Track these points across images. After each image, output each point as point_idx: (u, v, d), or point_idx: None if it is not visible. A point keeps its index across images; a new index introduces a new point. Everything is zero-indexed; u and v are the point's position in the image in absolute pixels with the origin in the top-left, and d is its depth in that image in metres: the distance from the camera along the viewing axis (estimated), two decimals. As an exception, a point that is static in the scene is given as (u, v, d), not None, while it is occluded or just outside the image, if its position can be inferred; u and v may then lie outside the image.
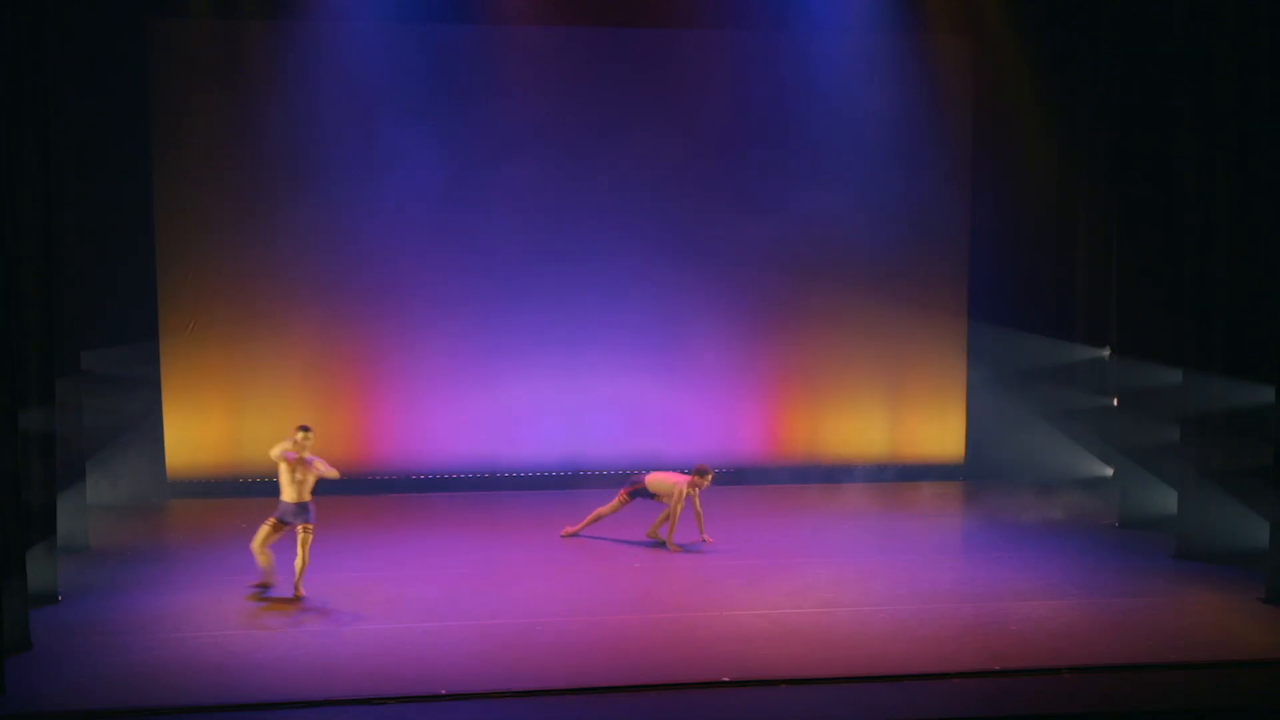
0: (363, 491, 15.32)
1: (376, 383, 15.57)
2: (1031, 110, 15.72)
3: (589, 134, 15.54)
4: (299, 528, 11.18)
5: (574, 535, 13.26)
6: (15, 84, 10.64)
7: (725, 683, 9.28)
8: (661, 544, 12.91)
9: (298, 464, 11.17)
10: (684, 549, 12.74)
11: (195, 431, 15.29)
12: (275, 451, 11.17)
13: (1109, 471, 15.54)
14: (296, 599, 11.10)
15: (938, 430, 16.41)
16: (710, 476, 12.91)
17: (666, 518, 12.91)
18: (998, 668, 9.54)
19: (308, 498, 11.26)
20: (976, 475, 16.27)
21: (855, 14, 15.51)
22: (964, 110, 16.01)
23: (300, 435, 11.18)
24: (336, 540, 12.94)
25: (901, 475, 16.17)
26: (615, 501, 13.10)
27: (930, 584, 11.63)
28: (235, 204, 15.11)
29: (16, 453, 9.81)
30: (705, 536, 12.92)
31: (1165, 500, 13.37)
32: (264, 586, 11.30)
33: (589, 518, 13.21)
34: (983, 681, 9.34)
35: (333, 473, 11.38)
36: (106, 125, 14.45)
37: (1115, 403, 14.64)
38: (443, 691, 9.06)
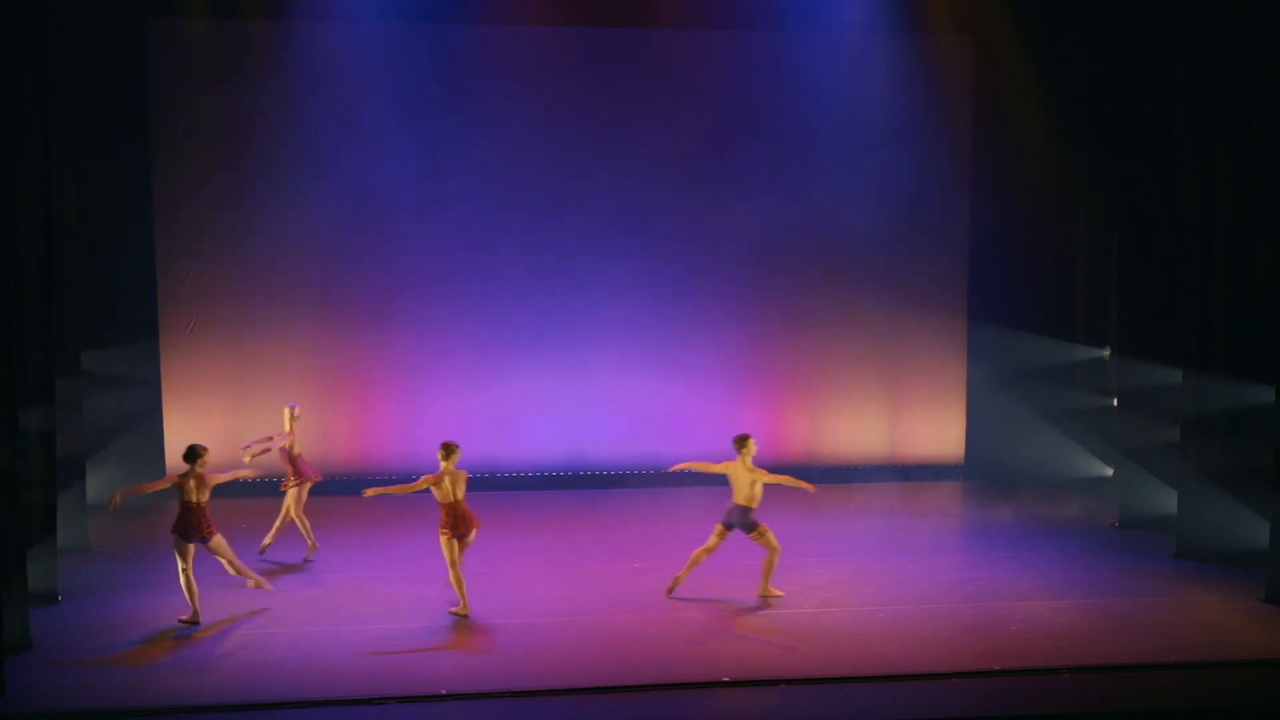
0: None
1: (377, 382, 15.56)
2: (1031, 110, 15.72)
3: (588, 133, 15.54)
4: (751, 537, 11.12)
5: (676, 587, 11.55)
6: (15, 84, 10.66)
7: (725, 683, 9.28)
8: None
9: (744, 464, 11.05)
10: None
11: (195, 431, 15.21)
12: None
13: (1109, 471, 15.54)
14: (774, 596, 11.18)
15: (937, 430, 16.40)
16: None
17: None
18: (998, 668, 9.55)
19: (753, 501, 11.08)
20: (976, 475, 16.27)
21: (856, 14, 15.52)
22: (964, 110, 16.01)
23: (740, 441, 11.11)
24: (337, 540, 12.97)
25: (901, 475, 16.17)
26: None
27: (930, 584, 11.63)
28: (235, 203, 15.11)
29: (16, 453, 9.82)
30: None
31: (1165, 500, 13.37)
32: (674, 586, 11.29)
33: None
34: (983, 681, 9.35)
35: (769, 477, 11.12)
36: (106, 125, 14.47)
37: (1115, 403, 14.64)
38: (443, 691, 9.07)
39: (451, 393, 15.49)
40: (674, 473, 11.92)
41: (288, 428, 12.48)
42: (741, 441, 11.17)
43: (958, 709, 8.88)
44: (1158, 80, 13.23)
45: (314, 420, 15.39)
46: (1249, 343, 12.03)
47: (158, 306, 15.09)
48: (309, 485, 12.54)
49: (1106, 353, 15.53)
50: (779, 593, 11.30)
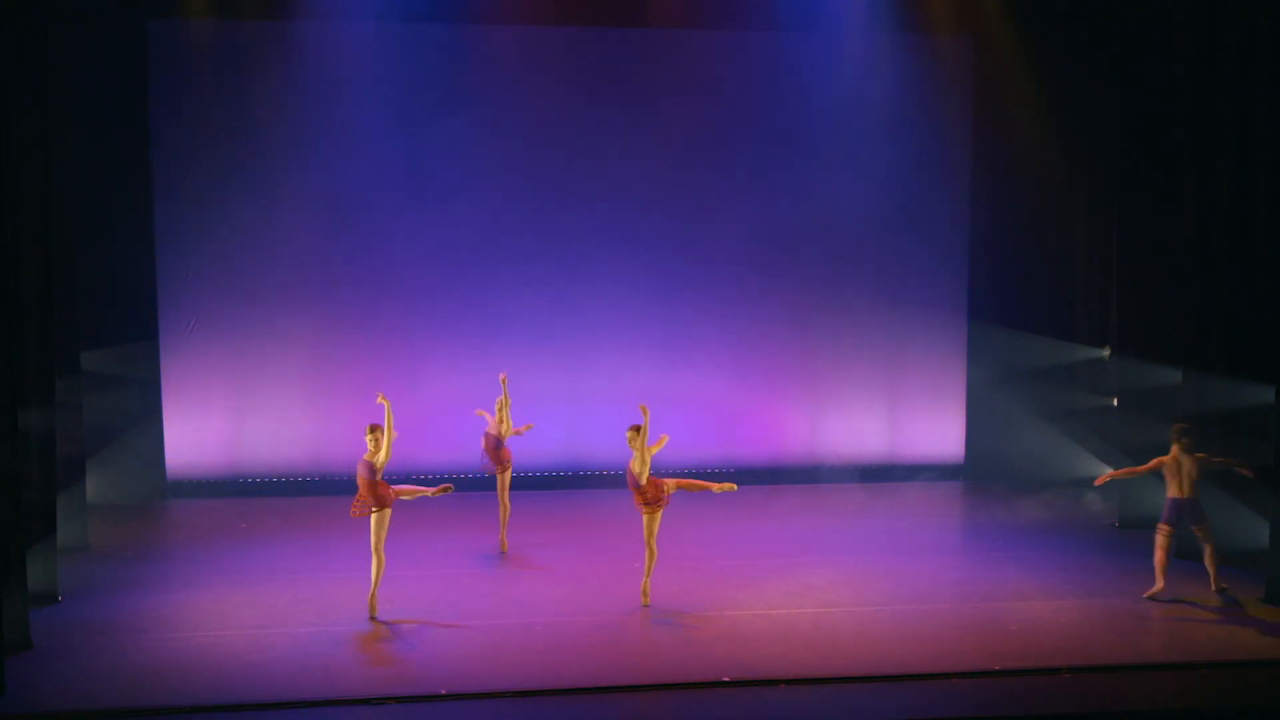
0: (363, 491, 15.31)
1: (377, 381, 15.49)
2: (1032, 109, 15.72)
3: (589, 132, 15.55)
4: (1196, 530, 11.11)
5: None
6: (15, 82, 10.65)
7: (725, 683, 9.28)
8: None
9: (1182, 459, 10.98)
10: None
11: (195, 431, 15.29)
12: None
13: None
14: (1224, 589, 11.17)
15: (937, 430, 16.39)
16: None
17: None
18: (998, 668, 9.54)
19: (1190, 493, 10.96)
20: (976, 475, 16.26)
21: (855, 14, 15.54)
22: (964, 110, 16.01)
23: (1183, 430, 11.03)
24: (337, 541, 12.97)
25: (901, 475, 16.16)
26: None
27: (930, 584, 11.62)
28: (235, 203, 15.11)
29: (17, 453, 9.81)
30: None
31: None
32: (1157, 596, 11.13)
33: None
34: (983, 681, 9.34)
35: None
36: (106, 124, 14.46)
37: (1115, 403, 14.64)
38: (443, 691, 9.07)
39: (452, 391, 15.46)
40: (1103, 485, 11.72)
41: (499, 415, 12.81)
42: (1183, 431, 11.05)
43: (958, 709, 8.88)
44: (1158, 80, 13.22)
45: (314, 419, 15.45)
46: (1249, 343, 12.02)
47: (158, 306, 15.09)
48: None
49: (1106, 353, 15.52)
50: (1224, 584, 11.23)
